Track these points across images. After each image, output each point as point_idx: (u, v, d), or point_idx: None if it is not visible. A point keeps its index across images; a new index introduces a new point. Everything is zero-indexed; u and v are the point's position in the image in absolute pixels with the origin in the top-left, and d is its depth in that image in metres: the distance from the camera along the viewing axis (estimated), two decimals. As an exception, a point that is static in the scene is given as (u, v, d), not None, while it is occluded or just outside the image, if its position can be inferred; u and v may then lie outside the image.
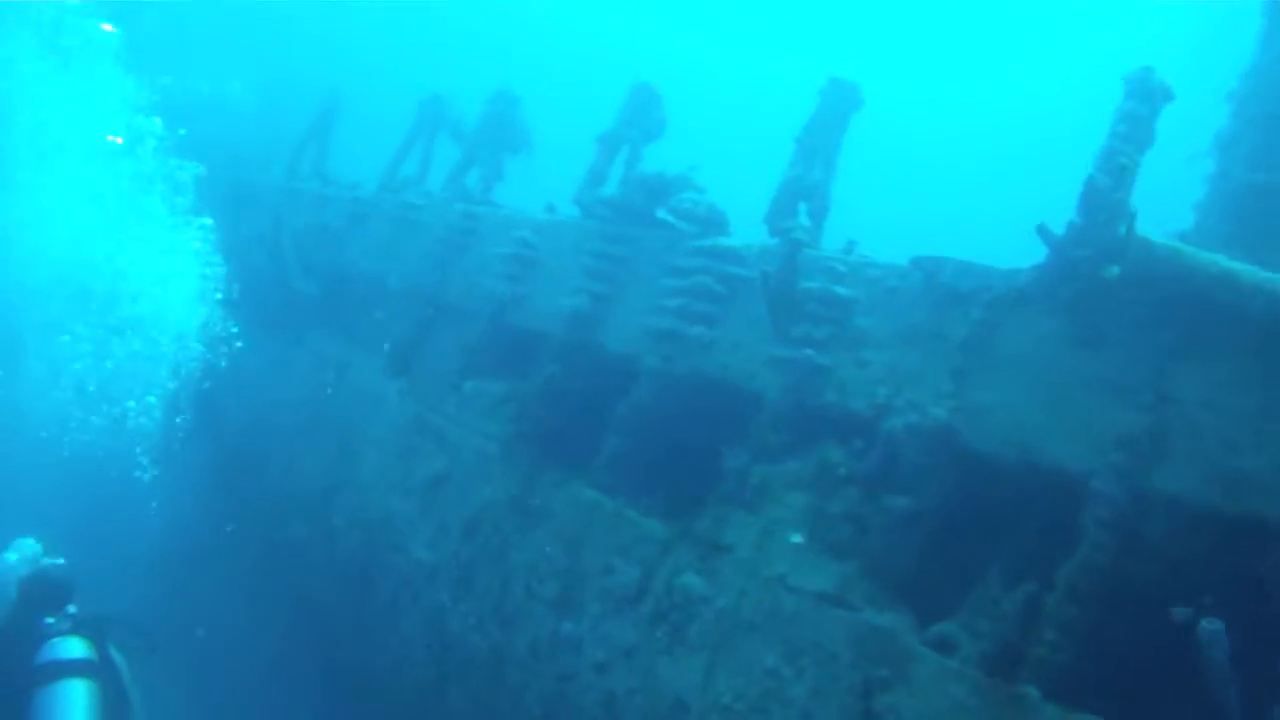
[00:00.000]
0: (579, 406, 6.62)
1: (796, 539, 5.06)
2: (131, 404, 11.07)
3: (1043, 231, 4.56)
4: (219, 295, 10.54)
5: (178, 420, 11.50)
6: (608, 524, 5.93)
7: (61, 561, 6.06)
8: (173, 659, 6.29)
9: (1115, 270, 4.31)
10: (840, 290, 5.58)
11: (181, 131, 11.63)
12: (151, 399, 10.73)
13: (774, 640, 4.86)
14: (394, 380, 8.33)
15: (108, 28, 12.23)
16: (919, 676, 4.28)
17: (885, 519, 4.86)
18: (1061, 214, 4.69)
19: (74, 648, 5.53)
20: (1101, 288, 4.36)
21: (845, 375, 5.38)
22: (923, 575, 4.79)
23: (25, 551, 6.02)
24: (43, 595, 5.80)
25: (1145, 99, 4.59)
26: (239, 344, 10.31)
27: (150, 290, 10.94)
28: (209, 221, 11.10)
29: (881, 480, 4.93)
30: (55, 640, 5.53)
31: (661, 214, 7.15)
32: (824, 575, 4.86)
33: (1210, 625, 3.63)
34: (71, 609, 5.81)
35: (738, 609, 5.10)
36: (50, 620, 5.65)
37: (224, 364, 10.39)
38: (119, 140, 11.66)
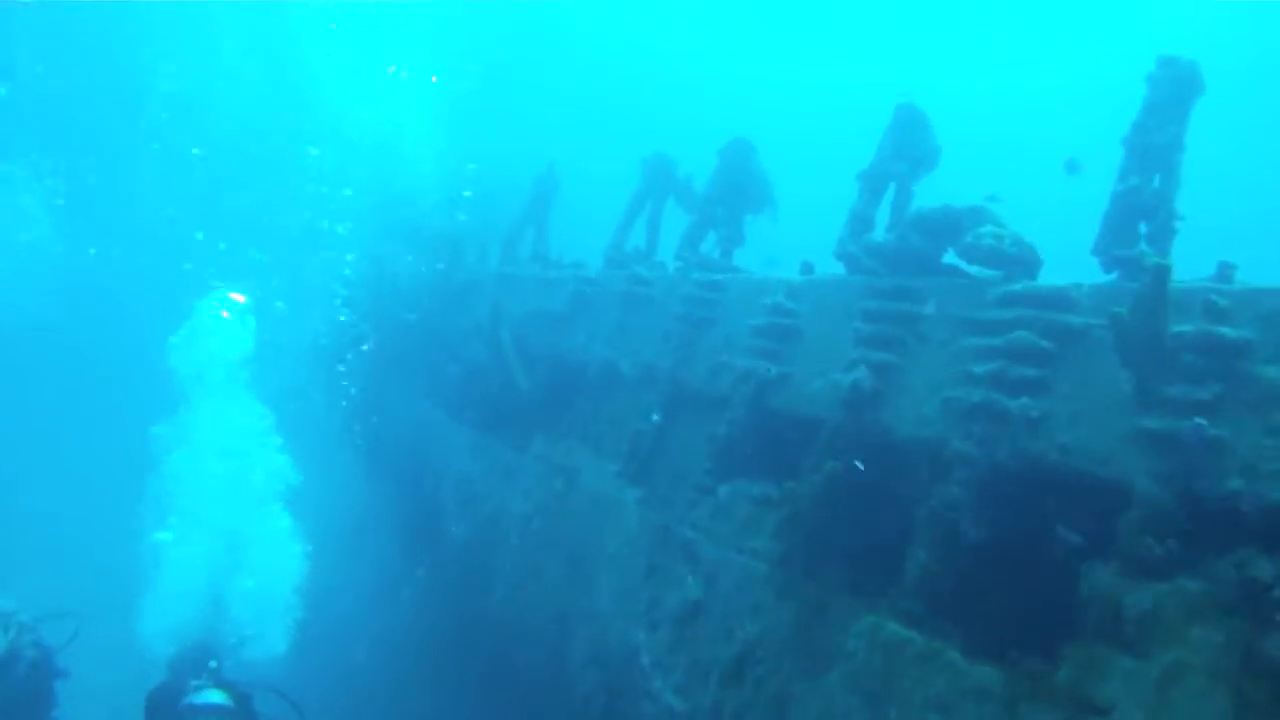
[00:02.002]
0: (869, 511, 5.50)
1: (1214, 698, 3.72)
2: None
3: None
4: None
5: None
6: (921, 669, 4.74)
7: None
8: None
9: None
10: (1226, 332, 4.28)
11: None
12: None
13: None
14: (631, 486, 7.47)
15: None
16: None
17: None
18: None
19: (214, 696, 7.04)
20: None
21: (1252, 450, 4.05)
22: None
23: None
24: (188, 662, 7.51)
25: None
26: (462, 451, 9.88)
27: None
28: None
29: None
30: (196, 693, 7.04)
31: (949, 258, 6.10)
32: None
33: None
34: (213, 664, 7.55)
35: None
36: (195, 682, 7.23)
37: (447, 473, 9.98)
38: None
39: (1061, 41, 42.63)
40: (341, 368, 14.56)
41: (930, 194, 7.25)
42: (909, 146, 6.92)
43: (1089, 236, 5.44)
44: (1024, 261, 5.40)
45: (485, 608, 8.90)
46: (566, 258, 10.83)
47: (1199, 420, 4.10)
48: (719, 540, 6.22)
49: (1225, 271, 4.81)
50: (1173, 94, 5.21)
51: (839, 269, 6.83)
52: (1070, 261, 5.88)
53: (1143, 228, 5.26)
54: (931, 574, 4.94)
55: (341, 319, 15.07)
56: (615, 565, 7.10)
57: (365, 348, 13.92)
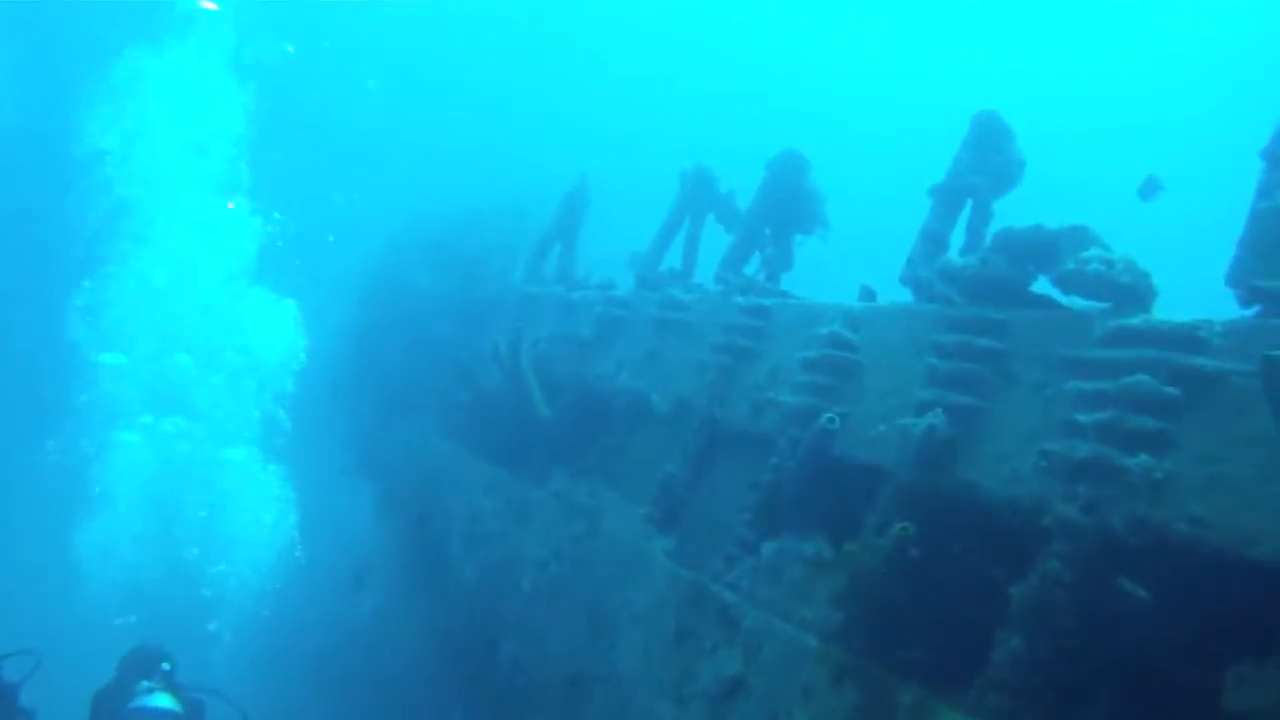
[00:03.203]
0: (948, 583, 4.70)
1: None
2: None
3: None
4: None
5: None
6: (1012, 783, 3.94)
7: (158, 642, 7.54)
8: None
9: None
10: None
11: None
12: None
13: None
14: (661, 535, 6.70)
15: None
16: None
17: None
18: None
19: (162, 700, 6.81)
20: None
21: None
22: None
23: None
24: (136, 662, 7.18)
25: None
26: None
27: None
28: None
29: None
30: (144, 694, 6.81)
31: (1037, 285, 5.34)
32: None
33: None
34: (166, 666, 7.22)
35: None
36: (145, 683, 6.96)
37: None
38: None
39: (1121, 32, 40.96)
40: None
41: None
42: (989, 159, 6.18)
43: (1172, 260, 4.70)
44: (1137, 292, 4.63)
45: (491, 662, 8.11)
46: (594, 277, 10.12)
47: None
48: (763, 605, 5.42)
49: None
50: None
51: (904, 295, 6.09)
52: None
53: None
54: (1025, 665, 4.13)
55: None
56: (640, 625, 6.30)
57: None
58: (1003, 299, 5.25)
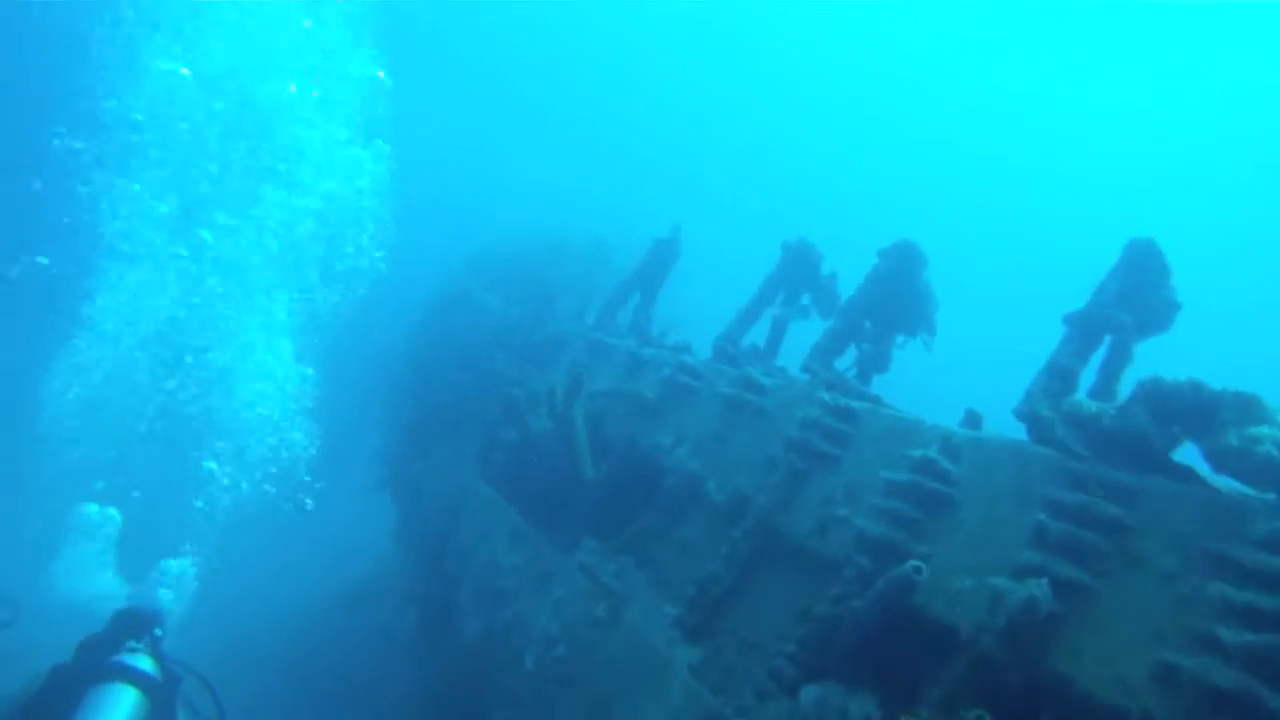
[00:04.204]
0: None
1: None
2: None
3: None
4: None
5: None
6: None
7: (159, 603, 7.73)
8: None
9: None
10: None
11: None
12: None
13: None
14: (687, 644, 5.93)
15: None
16: None
17: None
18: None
19: (143, 662, 6.66)
20: None
21: None
22: None
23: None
24: (130, 620, 7.12)
25: None
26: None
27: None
28: None
29: None
30: (129, 652, 6.70)
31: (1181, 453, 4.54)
32: None
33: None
34: (159, 632, 7.20)
35: None
36: (134, 642, 6.88)
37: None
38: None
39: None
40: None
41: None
42: (1140, 294, 5.39)
43: None
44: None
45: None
46: (670, 337, 9.44)
47: None
48: (790, 762, 4.64)
49: None
50: None
51: (1015, 430, 5.31)
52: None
53: None
54: None
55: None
56: (648, 743, 5.53)
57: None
58: (1138, 462, 4.46)
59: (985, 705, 4.04)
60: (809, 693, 4.80)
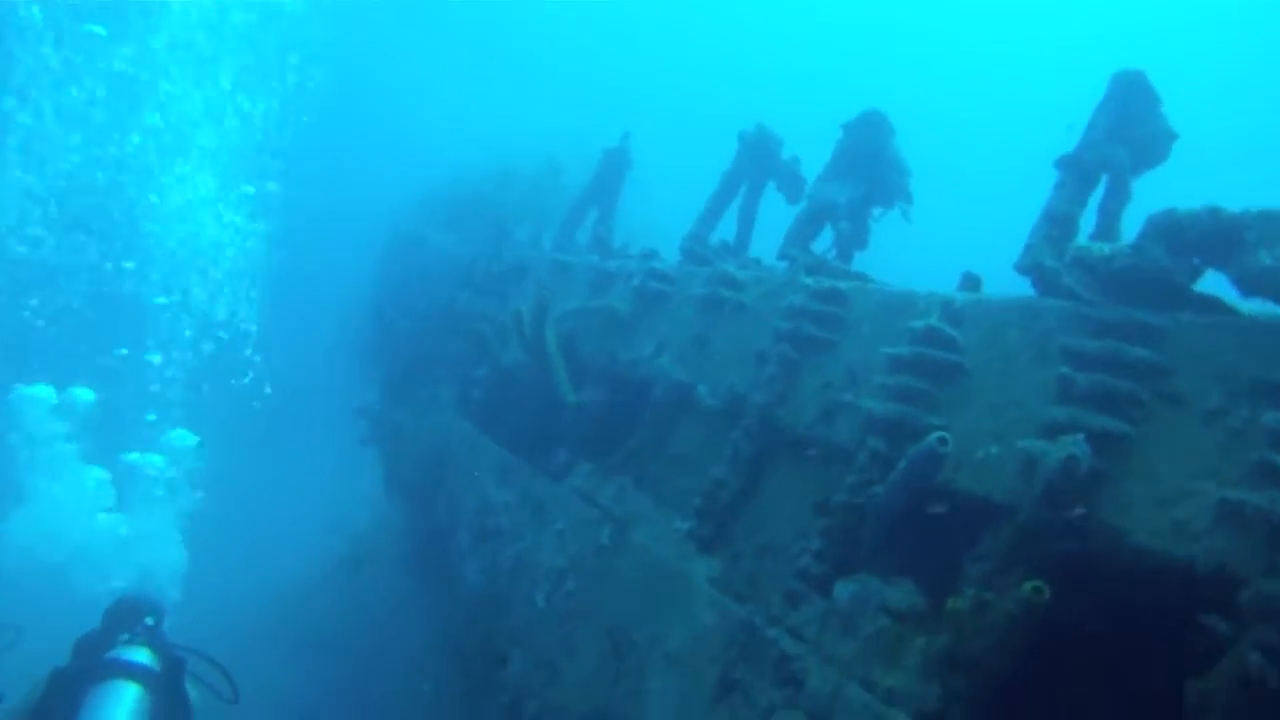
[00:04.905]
0: (1086, 667, 3.63)
1: None
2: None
3: None
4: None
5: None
6: None
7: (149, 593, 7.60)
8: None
9: None
10: None
11: None
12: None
13: None
14: (704, 556, 5.63)
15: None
16: None
17: None
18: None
19: (138, 655, 6.49)
20: None
21: None
22: None
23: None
24: (120, 613, 7.01)
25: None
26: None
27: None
28: None
29: None
30: (123, 647, 6.53)
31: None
32: None
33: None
34: (150, 620, 7.03)
35: None
36: (125, 634, 6.71)
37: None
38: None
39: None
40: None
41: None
42: (1130, 126, 5.05)
43: None
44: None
45: (498, 677, 7.11)
46: (634, 247, 9.04)
47: None
48: (834, 663, 4.35)
49: None
50: None
51: (1020, 287, 4.99)
52: None
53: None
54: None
55: None
56: (675, 668, 5.24)
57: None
58: (1158, 299, 4.15)
59: (1035, 575, 3.76)
60: (844, 588, 4.51)
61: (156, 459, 9.64)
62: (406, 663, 9.56)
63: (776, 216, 7.75)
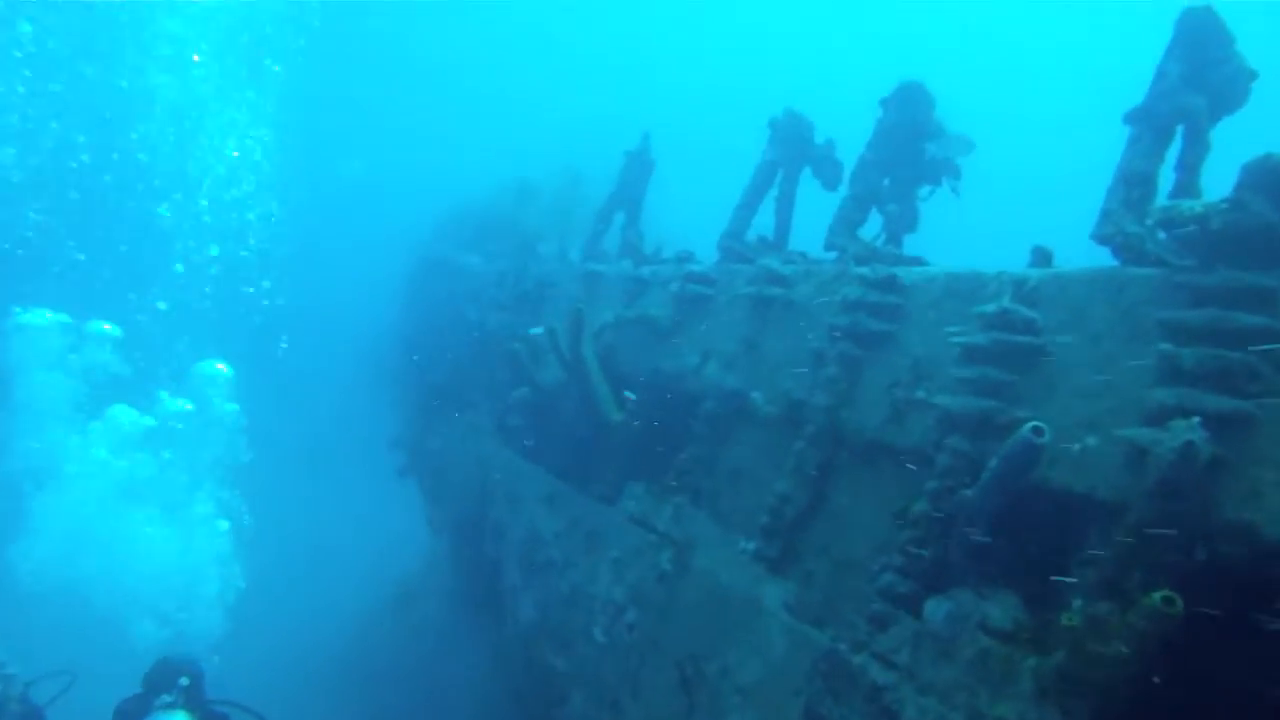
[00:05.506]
0: (1230, 688, 3.19)
1: None
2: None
3: None
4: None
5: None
6: None
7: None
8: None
9: None
10: None
11: None
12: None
13: None
14: (774, 578, 5.22)
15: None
16: None
17: None
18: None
19: (174, 715, 6.70)
20: None
21: None
22: None
23: None
24: (158, 676, 6.99)
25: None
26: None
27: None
28: None
29: None
30: (161, 712, 6.72)
31: None
32: None
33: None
34: (184, 681, 6.98)
35: None
36: (165, 697, 6.85)
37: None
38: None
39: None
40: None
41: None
42: (1205, 69, 4.59)
43: None
44: None
45: (558, 718, 6.72)
46: (666, 251, 8.63)
47: None
48: (932, 691, 3.93)
49: None
50: None
51: (1100, 257, 4.54)
52: None
53: None
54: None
55: None
56: (753, 702, 4.83)
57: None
58: (1264, 257, 3.69)
59: (1155, 580, 3.33)
60: (936, 607, 4.08)
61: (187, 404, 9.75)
62: (461, 704, 9.20)
63: (812, 205, 7.35)
